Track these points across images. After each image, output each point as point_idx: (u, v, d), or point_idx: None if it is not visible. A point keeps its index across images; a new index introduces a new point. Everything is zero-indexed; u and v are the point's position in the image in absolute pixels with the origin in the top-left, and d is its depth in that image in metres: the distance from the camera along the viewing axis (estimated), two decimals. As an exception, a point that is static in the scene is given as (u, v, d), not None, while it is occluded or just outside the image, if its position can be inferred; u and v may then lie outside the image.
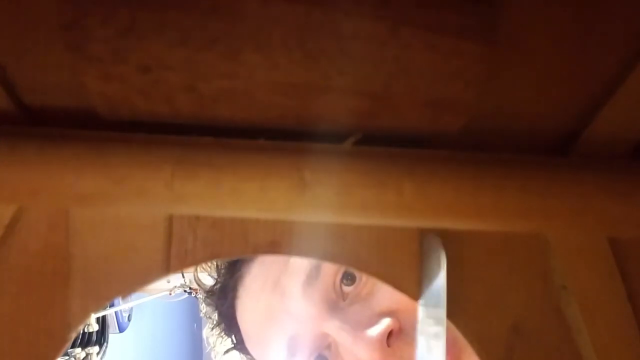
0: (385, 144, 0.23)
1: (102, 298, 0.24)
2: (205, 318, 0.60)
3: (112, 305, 2.05)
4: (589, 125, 0.24)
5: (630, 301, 0.25)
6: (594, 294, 0.25)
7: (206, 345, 0.63)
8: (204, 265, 0.55)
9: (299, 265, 0.46)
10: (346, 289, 0.45)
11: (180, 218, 0.25)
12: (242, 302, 0.52)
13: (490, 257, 0.26)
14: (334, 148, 0.23)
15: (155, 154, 0.22)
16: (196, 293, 1.90)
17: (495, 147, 0.24)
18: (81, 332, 1.81)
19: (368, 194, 0.22)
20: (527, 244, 0.26)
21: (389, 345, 0.42)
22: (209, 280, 0.58)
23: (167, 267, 0.24)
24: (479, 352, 0.25)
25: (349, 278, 0.45)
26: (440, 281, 0.24)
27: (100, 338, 1.96)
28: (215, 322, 0.57)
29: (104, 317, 1.99)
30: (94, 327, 1.90)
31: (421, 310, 0.25)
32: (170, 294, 1.99)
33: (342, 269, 0.45)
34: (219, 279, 0.55)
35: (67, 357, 1.74)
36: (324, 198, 0.22)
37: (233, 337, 0.56)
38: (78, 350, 1.82)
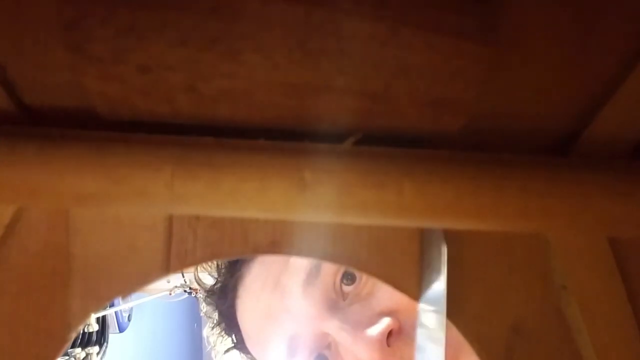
0: (385, 144, 0.23)
1: (102, 298, 0.24)
2: (205, 317, 0.60)
3: (112, 305, 2.05)
4: (589, 125, 0.24)
5: (630, 301, 0.25)
6: (594, 294, 0.25)
7: (206, 344, 0.63)
8: (204, 264, 0.55)
9: (299, 264, 0.46)
10: (346, 288, 0.45)
11: (180, 218, 0.25)
12: (243, 301, 0.52)
13: (490, 257, 0.26)
14: (334, 148, 0.23)
15: (155, 154, 0.22)
16: (196, 293, 1.90)
17: (495, 147, 0.24)
18: (81, 332, 1.81)
19: (368, 194, 0.22)
20: (527, 244, 0.26)
21: (388, 345, 0.42)
22: (209, 280, 0.58)
23: (167, 267, 0.24)
24: (479, 352, 0.25)
25: (349, 278, 0.45)
26: (441, 274, 0.24)
27: (100, 338, 1.96)
28: (215, 322, 0.57)
29: (104, 317, 1.99)
30: (94, 327, 1.90)
31: (421, 310, 0.25)
32: (170, 294, 2.00)
33: (342, 269, 0.45)
34: (219, 279, 0.55)
35: (67, 357, 1.74)
36: (324, 198, 0.22)
37: (233, 336, 0.56)
38: (78, 350, 1.82)
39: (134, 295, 2.04)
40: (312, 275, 0.45)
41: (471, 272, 0.25)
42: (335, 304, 0.45)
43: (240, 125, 0.23)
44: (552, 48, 0.22)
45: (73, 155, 0.21)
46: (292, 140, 0.23)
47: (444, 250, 0.24)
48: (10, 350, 0.24)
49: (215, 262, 0.55)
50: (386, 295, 0.43)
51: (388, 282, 0.25)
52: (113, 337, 2.15)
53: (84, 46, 0.19)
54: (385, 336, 0.42)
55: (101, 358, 1.97)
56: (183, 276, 1.89)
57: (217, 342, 0.59)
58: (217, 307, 0.56)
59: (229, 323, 0.55)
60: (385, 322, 0.42)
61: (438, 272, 0.24)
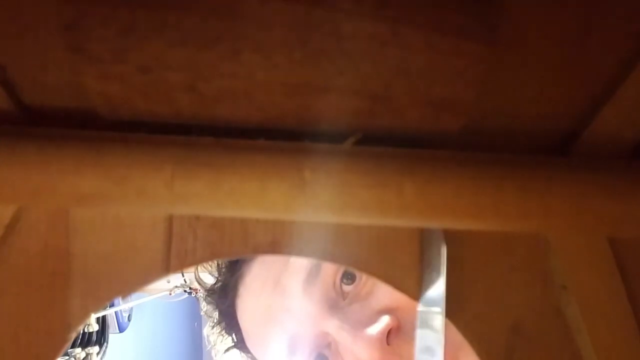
0: (385, 144, 0.23)
1: (102, 298, 0.24)
2: (205, 317, 0.60)
3: (112, 305, 2.05)
4: (589, 125, 0.24)
5: (630, 301, 0.25)
6: (594, 294, 0.25)
7: (206, 344, 0.63)
8: (204, 264, 0.55)
9: (300, 264, 0.46)
10: (346, 288, 0.45)
11: (180, 218, 0.25)
12: (243, 300, 0.52)
13: (490, 257, 0.26)
14: (334, 148, 0.23)
15: (155, 154, 0.22)
16: (196, 293, 1.90)
17: (495, 147, 0.24)
18: (81, 332, 1.81)
19: (368, 194, 0.22)
20: (527, 244, 0.26)
21: (388, 344, 0.42)
22: (209, 279, 0.58)
23: (167, 267, 0.24)
24: (479, 352, 0.25)
25: (349, 277, 0.45)
26: (440, 274, 0.24)
27: (100, 338, 1.96)
28: (215, 321, 0.57)
29: (104, 317, 1.99)
30: (94, 327, 1.90)
31: (421, 309, 0.25)
32: (170, 294, 2.00)
33: (342, 268, 0.45)
34: (219, 278, 0.55)
35: (67, 357, 1.74)
36: (324, 198, 0.22)
37: (233, 335, 0.56)
38: (78, 350, 1.82)
39: (134, 295, 2.04)
40: (312, 275, 0.45)
41: (471, 272, 0.25)
42: (335, 303, 0.45)
43: (240, 125, 0.23)
44: (552, 48, 0.22)
45: (73, 155, 0.21)
46: (292, 140, 0.23)
47: (444, 250, 0.24)
48: (10, 350, 0.24)
49: (215, 262, 0.55)
50: (385, 293, 0.43)
51: (388, 282, 0.25)
52: (113, 337, 2.15)
53: (84, 46, 0.19)
54: (385, 335, 0.42)
55: (101, 358, 1.97)
56: (183, 276, 1.89)
57: (217, 341, 0.59)
58: (218, 306, 0.56)
59: (229, 322, 0.55)
60: (384, 321, 0.42)
61: (438, 272, 0.24)
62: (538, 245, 0.26)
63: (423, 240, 0.25)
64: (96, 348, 1.93)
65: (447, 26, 0.20)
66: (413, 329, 0.42)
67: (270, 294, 0.48)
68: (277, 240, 0.25)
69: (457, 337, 0.25)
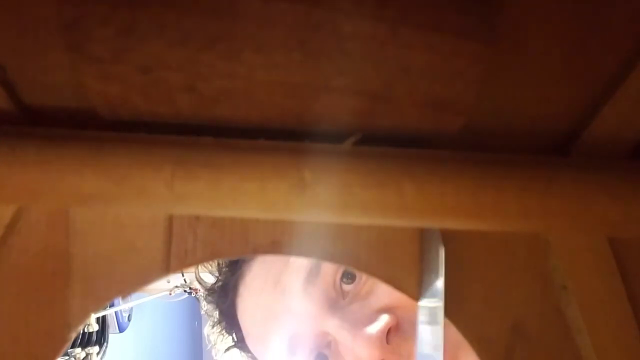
0: (385, 144, 0.23)
1: (102, 298, 0.24)
2: (206, 316, 0.60)
3: (112, 305, 2.05)
4: (589, 125, 0.24)
5: (630, 301, 0.25)
6: (594, 294, 0.25)
7: (206, 344, 0.63)
8: (204, 264, 0.55)
9: (300, 264, 0.46)
10: (346, 287, 0.45)
11: (180, 218, 0.25)
12: (243, 300, 0.52)
13: (490, 257, 0.26)
14: (334, 148, 0.23)
15: (155, 154, 0.22)
16: (196, 293, 1.90)
17: (495, 147, 0.24)
18: (81, 332, 1.81)
19: (368, 194, 0.22)
20: (527, 244, 0.26)
21: (388, 343, 0.42)
22: (210, 278, 0.58)
23: (167, 267, 0.24)
24: (479, 352, 0.25)
25: (349, 277, 0.45)
26: (439, 275, 0.24)
27: (100, 338, 1.96)
28: (216, 320, 0.57)
29: (104, 317, 1.99)
30: (94, 327, 1.90)
31: (421, 308, 0.25)
32: (170, 294, 2.00)
33: (342, 268, 0.45)
34: (220, 277, 0.56)
35: (67, 357, 1.74)
36: (324, 198, 0.22)
37: (234, 335, 0.56)
38: (78, 350, 1.82)
39: (134, 295, 2.04)
40: (312, 274, 0.45)
41: (471, 272, 0.25)
42: (335, 302, 0.45)
43: (240, 125, 0.23)
44: (552, 48, 0.22)
45: (73, 155, 0.21)
46: (292, 140, 0.23)
47: (442, 252, 0.24)
48: (10, 350, 0.24)
49: (216, 261, 0.55)
50: (385, 293, 0.43)
51: (388, 282, 0.25)
52: (113, 337, 2.15)
53: (84, 46, 0.19)
54: (385, 334, 0.42)
55: (101, 358, 1.97)
56: (183, 276, 1.89)
57: (217, 340, 0.59)
58: (218, 306, 0.56)
59: (230, 322, 0.55)
60: (384, 320, 0.42)
61: (437, 274, 0.24)
62: (538, 245, 0.26)
63: (423, 242, 0.25)
64: (96, 348, 1.93)
65: (447, 26, 0.20)
66: (413, 328, 0.42)
67: (270, 294, 0.48)
68: (277, 240, 0.25)
69: (457, 336, 0.25)
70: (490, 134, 0.25)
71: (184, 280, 1.93)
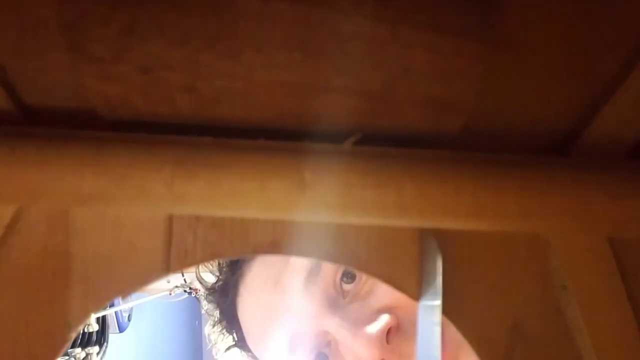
0: (385, 144, 0.23)
1: (102, 298, 0.24)
2: (206, 315, 0.60)
3: (112, 305, 2.05)
4: (589, 125, 0.24)
5: (630, 301, 0.25)
6: (594, 294, 0.25)
7: (206, 344, 0.63)
8: (205, 263, 0.55)
9: (300, 263, 0.46)
10: (346, 287, 0.45)
11: (180, 218, 0.25)
12: (243, 299, 0.52)
13: (490, 257, 0.26)
14: (334, 148, 0.23)
15: (155, 154, 0.22)
16: (196, 293, 1.90)
17: (495, 147, 0.24)
18: (81, 332, 1.81)
19: (368, 194, 0.22)
20: (527, 244, 0.26)
21: (388, 342, 0.42)
22: (210, 278, 0.58)
23: (167, 267, 0.24)
24: (479, 352, 0.25)
25: (349, 276, 0.45)
26: (437, 282, 0.24)
27: (100, 338, 1.96)
28: (216, 320, 0.57)
29: (104, 317, 1.99)
30: (94, 327, 1.90)
31: (421, 309, 0.25)
32: (170, 294, 2.00)
33: (342, 268, 0.45)
34: (220, 277, 0.56)
35: (67, 357, 1.74)
36: (324, 198, 0.22)
37: (234, 334, 0.56)
38: (78, 350, 1.82)
39: (134, 295, 2.04)
40: (312, 274, 0.45)
41: (471, 272, 0.25)
42: (335, 302, 0.45)
43: (240, 125, 0.23)
44: (552, 48, 0.22)
45: (73, 155, 0.21)
46: (292, 140, 0.23)
47: (439, 263, 0.24)
48: (10, 350, 0.24)
49: (216, 261, 0.55)
50: (385, 292, 0.43)
51: (388, 282, 0.25)
52: (113, 337, 2.15)
53: (84, 46, 0.19)
54: (385, 333, 0.42)
55: (101, 358, 1.97)
56: (183, 276, 1.89)
57: (218, 340, 0.59)
58: (218, 305, 0.56)
59: (230, 321, 0.55)
60: (384, 320, 0.42)
61: (435, 273, 0.24)
62: (538, 245, 0.26)
63: (422, 243, 0.25)
64: (96, 348, 1.93)
65: (447, 26, 0.20)
66: (413, 328, 0.42)
67: (270, 293, 0.48)
68: (277, 240, 0.25)
69: (457, 336, 0.25)
70: (490, 134, 0.25)
71: (184, 280, 1.93)
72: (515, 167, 0.23)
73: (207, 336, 0.61)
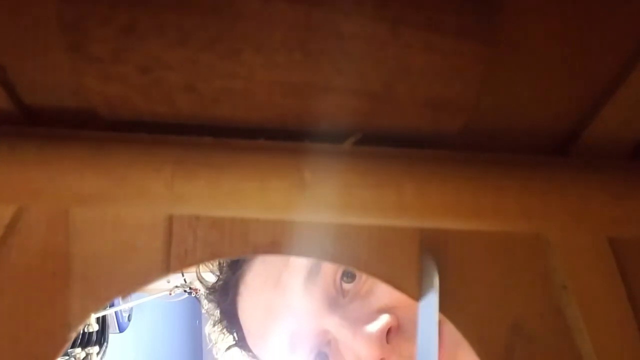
0: (385, 144, 0.23)
1: (102, 298, 0.24)
2: (207, 315, 0.60)
3: (112, 305, 2.05)
4: (589, 125, 0.24)
5: (630, 301, 0.25)
6: (594, 294, 0.25)
7: (206, 343, 0.63)
8: (205, 263, 0.55)
9: (300, 262, 0.46)
10: (346, 286, 0.45)
11: (180, 218, 0.25)
12: (244, 299, 0.52)
13: (490, 257, 0.26)
14: (334, 148, 0.23)
15: (155, 154, 0.22)
16: (196, 293, 1.90)
17: (495, 147, 0.24)
18: (81, 332, 1.81)
19: (368, 194, 0.22)
20: (527, 244, 0.26)
21: (388, 342, 0.42)
22: (211, 277, 0.58)
23: (167, 267, 0.24)
24: (479, 352, 0.25)
25: (349, 276, 0.45)
26: (434, 282, 0.24)
27: (100, 338, 1.96)
28: (217, 319, 0.58)
29: (104, 317, 1.99)
30: (94, 327, 1.90)
31: (421, 308, 0.25)
32: (170, 294, 2.00)
33: (342, 267, 0.45)
34: (221, 276, 0.56)
35: (67, 357, 1.74)
36: (324, 198, 0.22)
37: (234, 334, 0.56)
38: (78, 350, 1.82)
39: (134, 295, 2.04)
40: (312, 273, 0.45)
41: (471, 272, 0.25)
42: (336, 301, 0.45)
43: (240, 125, 0.23)
44: (552, 48, 0.22)
45: (73, 155, 0.21)
46: (292, 140, 0.23)
47: (437, 281, 0.24)
48: (10, 350, 0.24)
49: (216, 261, 0.55)
50: (385, 292, 0.43)
51: (388, 282, 0.25)
52: (113, 337, 2.15)
53: (84, 46, 0.19)
54: (385, 333, 0.42)
55: (101, 358, 1.97)
56: (183, 276, 1.90)
57: (218, 339, 0.59)
58: (219, 305, 0.56)
59: (231, 320, 0.55)
60: (384, 319, 0.42)
61: (432, 291, 0.24)
62: (538, 245, 0.26)
63: (421, 270, 0.25)
64: (96, 348, 1.93)
65: (447, 26, 0.20)
66: (413, 327, 0.42)
67: (270, 292, 0.48)
68: (277, 240, 0.25)
69: (456, 335, 0.25)
70: (490, 134, 0.25)
71: (184, 280, 1.93)
72: (515, 167, 0.23)
73: (207, 336, 0.61)
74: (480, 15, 0.20)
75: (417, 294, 0.25)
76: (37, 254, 0.24)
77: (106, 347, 2.01)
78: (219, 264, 0.55)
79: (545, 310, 0.26)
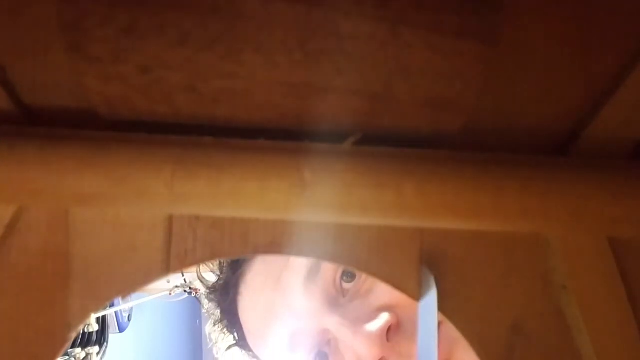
0: (385, 144, 0.23)
1: (102, 298, 0.24)
2: (207, 315, 0.60)
3: (112, 305, 2.05)
4: (589, 125, 0.24)
5: (630, 301, 0.25)
6: (594, 294, 0.25)
7: (207, 343, 0.64)
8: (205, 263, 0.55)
9: (300, 262, 0.46)
10: (346, 285, 0.45)
11: (180, 218, 0.25)
12: (244, 298, 0.52)
13: (490, 257, 0.26)
14: (334, 148, 0.23)
15: (155, 154, 0.22)
16: (196, 293, 1.90)
17: (495, 147, 0.24)
18: (81, 332, 1.81)
19: (368, 194, 0.22)
20: (527, 244, 0.26)
21: (388, 340, 0.42)
22: (211, 277, 0.59)
23: (167, 267, 0.24)
24: (478, 352, 0.25)
25: (349, 275, 0.45)
26: (433, 301, 0.24)
27: (100, 338, 1.96)
28: (217, 319, 0.58)
29: (104, 317, 1.99)
30: (94, 327, 1.90)
31: (421, 308, 0.25)
32: (170, 294, 2.00)
33: (342, 266, 0.45)
34: (221, 276, 0.56)
35: (67, 357, 1.74)
36: (324, 198, 0.22)
37: (235, 333, 0.56)
38: (78, 350, 1.82)
39: (134, 295, 2.04)
40: (312, 273, 0.45)
41: (471, 272, 0.25)
42: (336, 300, 0.45)
43: (240, 125, 0.23)
44: (552, 48, 0.22)
45: (73, 155, 0.21)
46: (292, 140, 0.23)
47: (435, 295, 0.24)
48: (10, 350, 0.24)
49: (217, 260, 0.55)
50: (385, 291, 0.43)
51: (388, 282, 0.25)
52: (113, 337, 2.15)
53: (84, 46, 0.19)
54: (385, 332, 0.42)
55: (101, 358, 1.97)
56: (183, 276, 1.89)
57: (219, 339, 0.59)
58: (219, 304, 0.57)
59: (231, 320, 0.55)
60: (384, 318, 0.42)
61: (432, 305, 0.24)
62: (538, 245, 0.26)
63: (421, 274, 0.25)
64: (96, 348, 1.93)
65: (447, 26, 0.20)
66: (413, 326, 0.42)
67: (271, 292, 0.48)
68: (277, 240, 0.25)
69: (454, 333, 0.25)
70: (490, 134, 0.25)
71: (184, 280, 1.93)
72: (515, 167, 0.23)
73: (208, 335, 0.61)
74: (481, 15, 0.20)
75: (417, 294, 0.25)
76: (37, 254, 0.24)
77: (106, 347, 2.01)
78: (220, 263, 0.55)
79: (545, 310, 0.26)
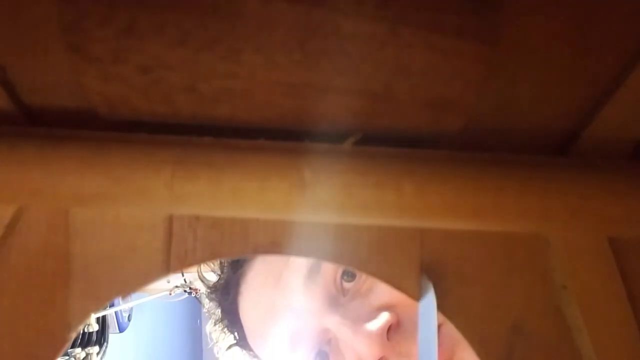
0: (385, 144, 0.23)
1: (102, 298, 0.24)
2: (208, 314, 0.60)
3: (112, 305, 2.05)
4: (589, 125, 0.24)
5: (630, 301, 0.25)
6: (594, 294, 0.25)
7: (207, 343, 0.64)
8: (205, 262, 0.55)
9: (300, 261, 0.46)
10: (346, 285, 0.45)
11: (180, 218, 0.25)
12: (244, 298, 0.52)
13: (490, 257, 0.26)
14: (334, 148, 0.23)
15: (155, 154, 0.22)
16: (196, 293, 1.90)
17: (495, 147, 0.24)
18: (81, 332, 1.81)
19: (368, 194, 0.22)
20: (527, 244, 0.26)
21: (388, 339, 0.42)
22: (212, 276, 0.59)
23: (167, 267, 0.24)
24: (479, 352, 0.25)
25: (349, 274, 0.45)
26: (433, 301, 0.24)
27: (100, 338, 1.96)
28: (218, 318, 0.58)
29: (104, 317, 1.99)
30: (94, 327, 1.90)
31: (421, 307, 0.25)
32: (170, 294, 2.00)
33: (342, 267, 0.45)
34: (221, 275, 0.56)
35: (67, 357, 1.74)
36: (324, 198, 0.22)
37: (235, 333, 0.56)
38: (78, 350, 1.82)
39: (134, 295, 2.04)
40: (313, 272, 0.45)
41: (471, 272, 0.25)
42: (336, 300, 0.45)
43: (240, 125, 0.23)
44: (552, 48, 0.22)
45: (73, 155, 0.21)
46: (292, 140, 0.23)
47: (434, 302, 0.24)
48: (10, 350, 0.24)
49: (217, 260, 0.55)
50: (385, 290, 0.44)
51: (388, 282, 0.25)
52: (113, 337, 2.15)
53: (84, 46, 0.19)
54: (385, 331, 0.42)
55: (101, 358, 1.97)
56: (183, 276, 1.89)
57: (219, 338, 0.59)
58: (220, 304, 0.57)
59: (231, 319, 0.55)
60: (384, 317, 0.42)
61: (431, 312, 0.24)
62: (538, 245, 0.26)
63: (420, 282, 0.25)
64: (96, 348, 1.93)
65: (447, 26, 0.20)
66: (413, 325, 0.42)
67: (271, 291, 0.48)
68: (277, 240, 0.25)
69: (455, 334, 0.25)
70: (490, 134, 0.25)
71: (184, 280, 1.93)
72: (515, 167, 0.23)
73: (208, 335, 0.61)
74: (481, 15, 0.20)
75: (417, 294, 0.25)
76: (37, 254, 0.24)
77: (106, 347, 2.01)
78: (220, 263, 0.56)
79: (545, 310, 0.26)
